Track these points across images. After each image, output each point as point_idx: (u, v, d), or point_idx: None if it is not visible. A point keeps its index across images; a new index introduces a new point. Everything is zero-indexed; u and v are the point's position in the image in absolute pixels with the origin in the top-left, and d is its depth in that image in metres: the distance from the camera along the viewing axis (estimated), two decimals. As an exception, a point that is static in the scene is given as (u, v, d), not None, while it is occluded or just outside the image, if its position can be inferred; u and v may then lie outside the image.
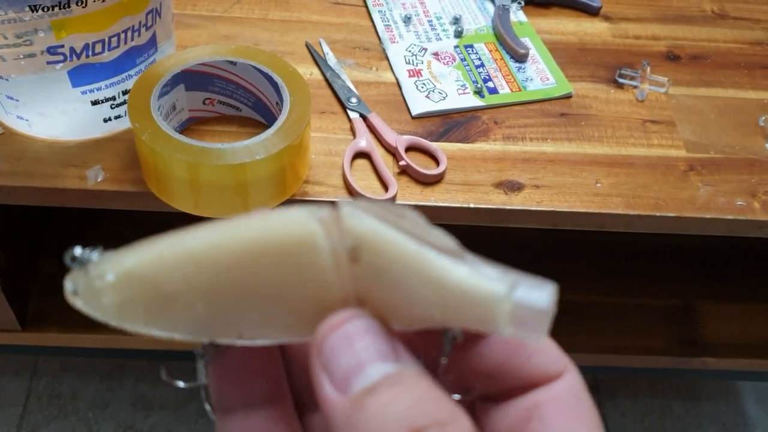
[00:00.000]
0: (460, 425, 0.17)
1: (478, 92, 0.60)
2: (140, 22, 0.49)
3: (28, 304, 0.68)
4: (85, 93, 0.50)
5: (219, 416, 0.21)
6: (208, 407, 0.22)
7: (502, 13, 0.66)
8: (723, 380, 1.01)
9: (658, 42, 0.67)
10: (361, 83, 0.60)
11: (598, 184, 0.54)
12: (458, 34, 0.65)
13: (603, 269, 0.79)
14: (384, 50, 0.63)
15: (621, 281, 0.78)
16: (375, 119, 0.56)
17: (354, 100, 0.57)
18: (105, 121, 0.52)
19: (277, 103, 0.50)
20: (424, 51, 0.63)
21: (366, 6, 0.67)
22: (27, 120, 0.51)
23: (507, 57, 0.63)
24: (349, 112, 0.57)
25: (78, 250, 0.19)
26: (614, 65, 0.64)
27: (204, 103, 0.54)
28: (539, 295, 0.18)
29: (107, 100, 0.51)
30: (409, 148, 0.55)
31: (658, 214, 0.53)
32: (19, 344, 0.70)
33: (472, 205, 0.52)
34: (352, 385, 0.18)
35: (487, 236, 0.67)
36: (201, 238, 0.19)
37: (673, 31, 0.69)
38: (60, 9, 0.44)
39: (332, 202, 0.20)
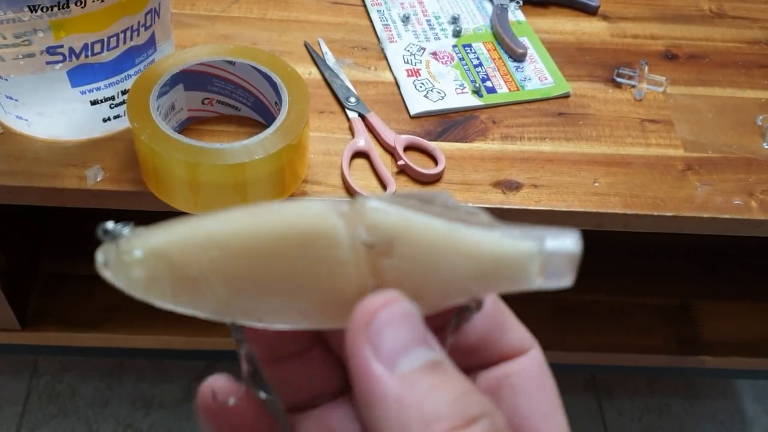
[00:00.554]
0: (501, 416, 0.18)
1: (477, 92, 0.60)
2: (139, 22, 0.49)
3: (28, 304, 0.69)
4: (85, 93, 0.50)
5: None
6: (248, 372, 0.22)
7: (501, 12, 0.67)
8: (721, 378, 1.01)
9: (656, 41, 0.68)
10: (359, 83, 0.60)
11: (596, 184, 0.54)
12: (457, 34, 0.65)
13: (601, 268, 0.79)
14: (382, 50, 0.63)
15: (619, 280, 0.78)
16: (373, 119, 0.56)
17: (353, 99, 0.58)
18: (104, 120, 0.52)
19: (275, 102, 0.50)
20: (422, 50, 0.63)
21: (364, 5, 0.68)
22: (26, 120, 0.51)
23: (505, 56, 0.64)
24: (347, 111, 0.57)
25: (110, 224, 0.20)
26: (612, 65, 0.64)
27: (203, 103, 0.54)
28: (567, 241, 0.20)
29: (106, 100, 0.51)
30: (408, 148, 0.55)
31: (655, 213, 0.53)
32: (18, 343, 0.70)
33: (470, 205, 0.52)
34: (400, 364, 0.18)
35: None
36: (225, 225, 0.20)
37: (671, 30, 0.69)
38: (59, 9, 0.45)
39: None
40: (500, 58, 0.63)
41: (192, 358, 0.87)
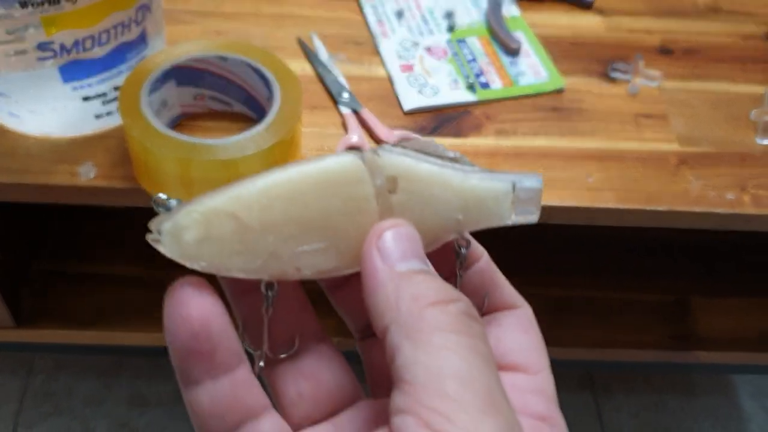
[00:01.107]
0: (469, 302, 0.23)
1: (470, 87, 0.60)
2: (130, 18, 0.49)
3: (23, 301, 0.68)
4: (76, 89, 0.50)
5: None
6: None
7: (495, 7, 0.66)
8: (716, 374, 1.02)
9: (651, 36, 0.67)
10: (352, 78, 0.60)
11: (590, 179, 0.54)
12: (450, 29, 0.65)
13: (596, 264, 0.79)
14: (376, 45, 0.63)
15: (614, 276, 0.78)
16: (367, 114, 0.56)
17: (346, 95, 0.57)
18: (96, 117, 0.52)
19: (268, 98, 0.50)
20: (416, 45, 0.63)
21: (358, 0, 0.67)
22: (18, 116, 0.51)
23: (499, 51, 0.63)
24: (340, 107, 0.57)
25: (163, 195, 0.23)
26: (607, 59, 0.64)
27: (195, 99, 0.54)
28: (533, 180, 0.26)
29: (98, 96, 0.51)
30: (401, 143, 0.55)
31: (649, 208, 0.53)
32: (14, 341, 0.70)
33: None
34: (399, 265, 0.23)
35: (479, 231, 0.67)
36: (271, 178, 0.24)
37: (667, 24, 0.69)
38: (50, 5, 0.44)
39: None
40: (494, 53, 0.63)
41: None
